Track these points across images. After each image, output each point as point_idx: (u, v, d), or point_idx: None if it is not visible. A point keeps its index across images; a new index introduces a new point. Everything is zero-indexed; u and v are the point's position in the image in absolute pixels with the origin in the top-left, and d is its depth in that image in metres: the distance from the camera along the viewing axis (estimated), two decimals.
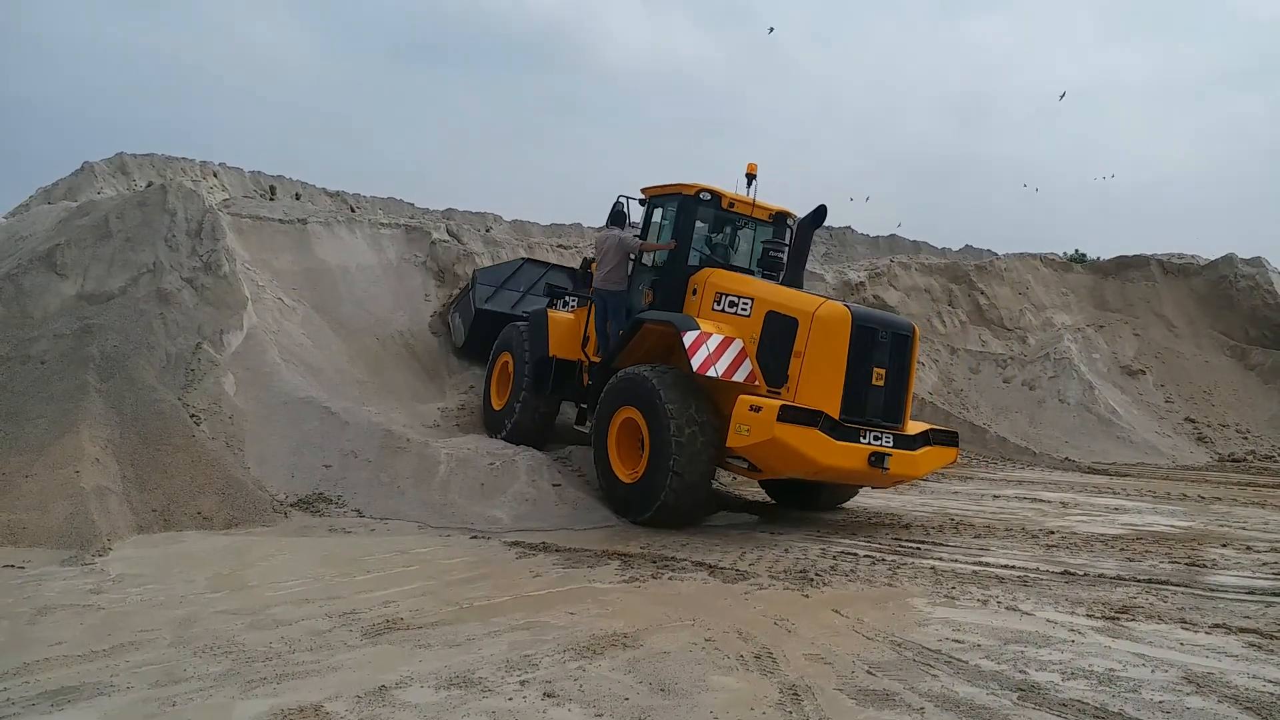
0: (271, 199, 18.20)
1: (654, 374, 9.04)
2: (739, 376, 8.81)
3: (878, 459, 8.53)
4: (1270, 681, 4.52)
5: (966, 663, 4.85)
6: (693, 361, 8.65)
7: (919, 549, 8.17)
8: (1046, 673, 4.68)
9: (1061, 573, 7.14)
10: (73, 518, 7.80)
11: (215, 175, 25.96)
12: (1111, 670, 4.72)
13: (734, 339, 9.06)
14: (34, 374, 9.72)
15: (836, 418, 8.49)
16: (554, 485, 9.62)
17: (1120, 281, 22.54)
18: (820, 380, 8.64)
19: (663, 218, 10.53)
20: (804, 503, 10.55)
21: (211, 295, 11.13)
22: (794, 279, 10.14)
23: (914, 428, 9.27)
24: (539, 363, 10.96)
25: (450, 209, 31.30)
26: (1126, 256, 23.08)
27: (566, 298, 12.19)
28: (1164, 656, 4.97)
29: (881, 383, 8.91)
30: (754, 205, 10.49)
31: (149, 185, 14.83)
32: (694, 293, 9.91)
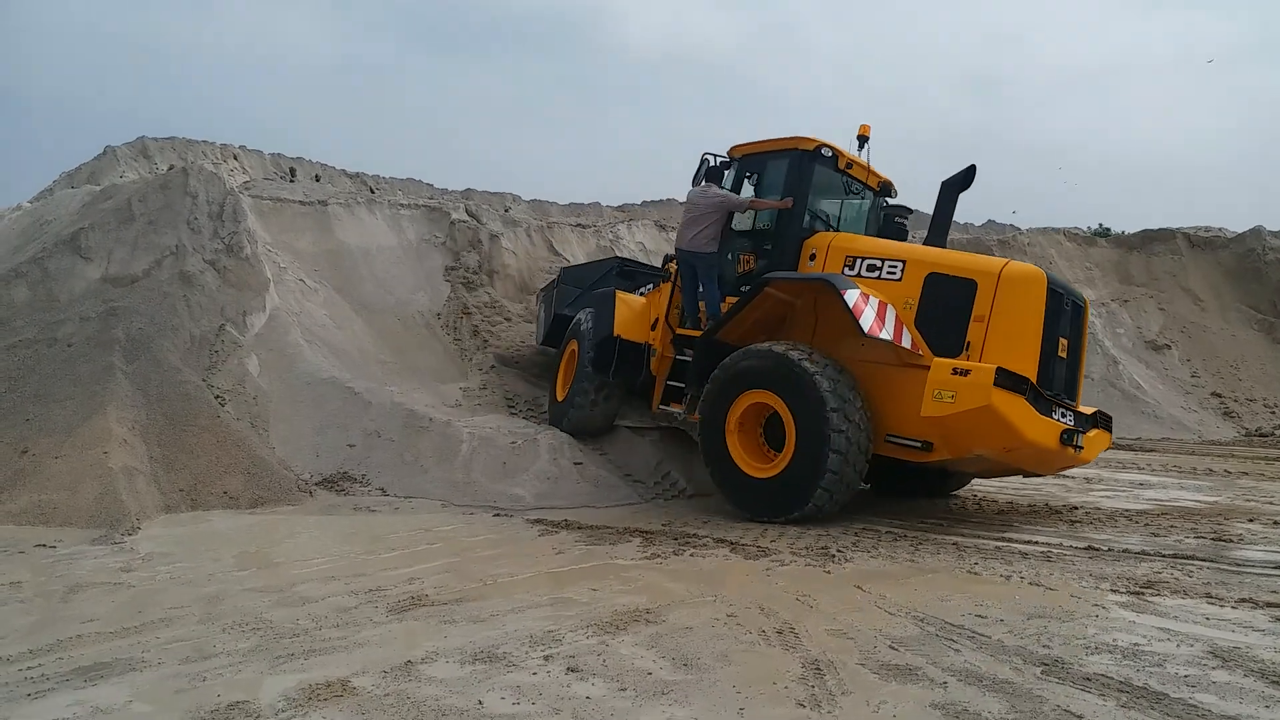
0: (292, 181, 18.28)
1: (799, 352, 8.02)
2: (905, 343, 7.83)
3: (1069, 437, 7.74)
4: None
5: (989, 638, 4.84)
6: (861, 322, 7.60)
7: (941, 525, 8.15)
8: (1070, 647, 4.67)
9: (1085, 548, 7.10)
10: (102, 498, 7.91)
11: (236, 158, 26.08)
12: (1136, 645, 4.70)
13: (887, 303, 8.04)
14: (61, 356, 9.83)
15: (1038, 387, 7.60)
16: (575, 464, 9.66)
17: (1145, 255, 22.29)
18: (1012, 348, 7.67)
19: (764, 178, 9.45)
20: (914, 489, 9.75)
21: (234, 277, 11.20)
22: (938, 242, 9.20)
23: (1084, 408, 8.57)
24: (602, 342, 10.15)
25: (469, 189, 31.32)
26: (1152, 230, 22.82)
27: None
28: (1189, 631, 4.95)
29: (1065, 355, 8.17)
30: (869, 170, 9.57)
31: (170, 168, 14.91)
32: (812, 258, 8.87)
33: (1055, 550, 7.00)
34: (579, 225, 17.50)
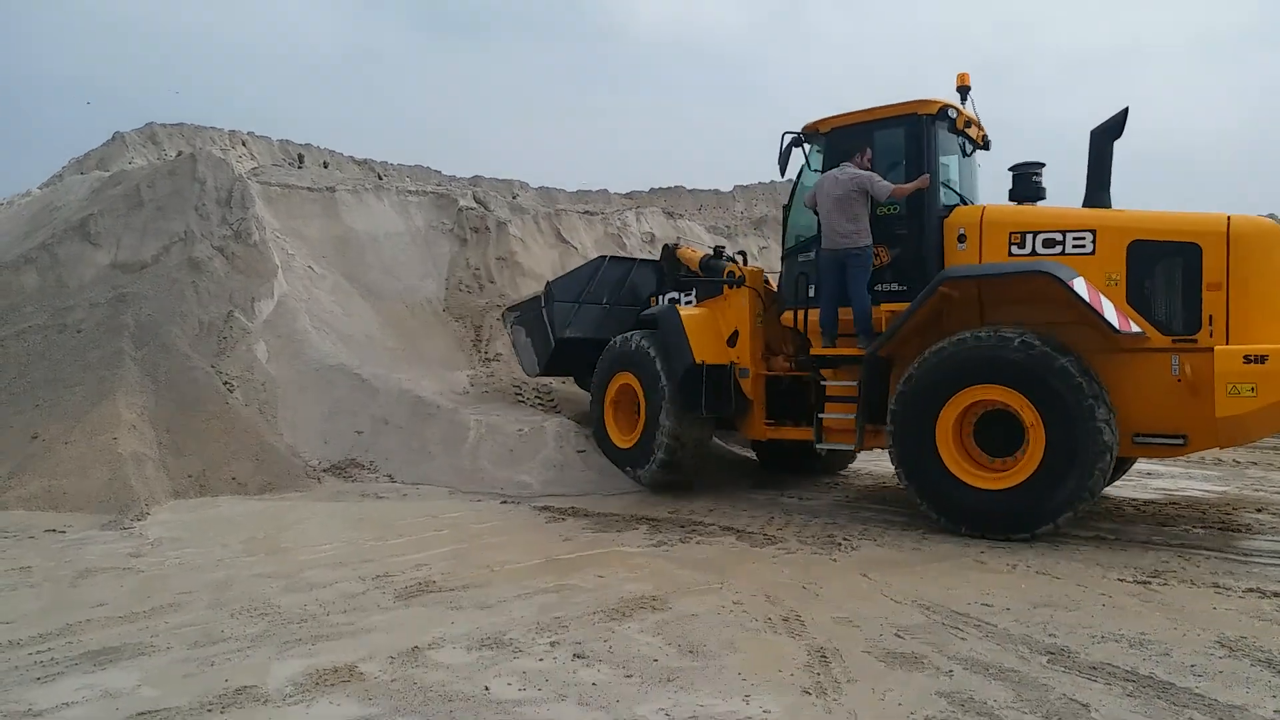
0: (300, 167, 18.28)
1: (1045, 342, 6.86)
2: (1135, 329, 6.92)
3: None
4: None
5: (995, 626, 4.84)
6: (1110, 319, 6.73)
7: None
8: (1076, 636, 4.67)
9: (1093, 537, 7.09)
10: (111, 483, 7.96)
11: (244, 144, 26.05)
12: (1143, 634, 4.69)
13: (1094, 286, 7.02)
14: (71, 342, 9.87)
15: None
16: (579, 452, 9.67)
17: None
18: (1266, 315, 6.73)
19: (870, 152, 8.15)
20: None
21: (242, 263, 11.23)
22: (1100, 200, 7.85)
23: None
24: (687, 374, 8.76)
25: (477, 176, 31.25)
26: None
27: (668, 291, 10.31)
28: (1196, 620, 4.94)
29: None
30: (979, 125, 8.55)
31: (179, 155, 14.92)
32: (961, 239, 7.72)
33: (1062, 539, 6.98)
34: (587, 212, 17.47)
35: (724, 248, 10.67)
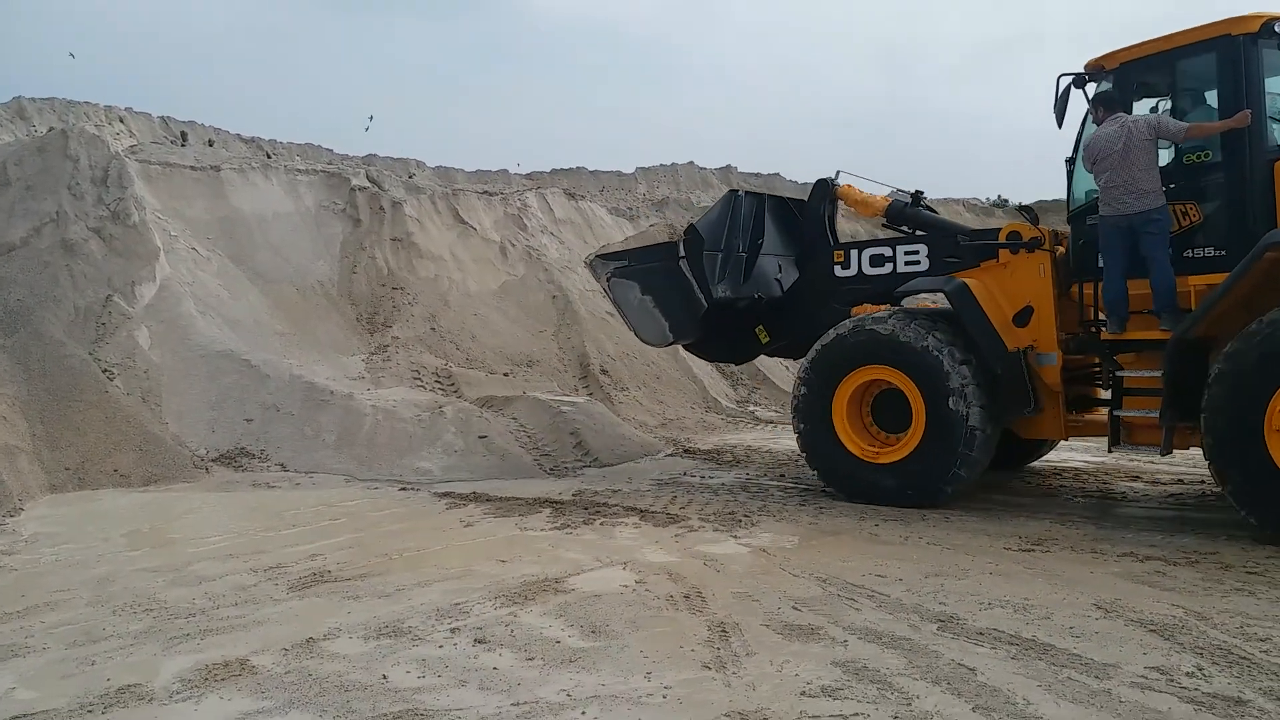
0: (183, 145, 17.54)
1: None
2: None
3: None
4: (1174, 605, 4.74)
5: (888, 596, 4.98)
6: None
7: None
8: (965, 603, 4.84)
9: (981, 508, 7.36)
10: None
11: (122, 120, 24.81)
12: (1026, 599, 4.89)
13: None
14: None
15: None
16: (481, 436, 9.56)
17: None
18: None
19: (1177, 90, 6.83)
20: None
21: (121, 245, 10.71)
22: None
23: None
24: (1010, 366, 7.13)
25: (371, 155, 30.49)
26: (1046, 201, 23.61)
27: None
28: (1075, 584, 5.18)
29: None
30: None
31: (49, 131, 14.13)
32: None
33: (953, 512, 7.23)
34: (486, 193, 17.23)
35: (922, 192, 8.88)
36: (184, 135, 25.69)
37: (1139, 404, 6.79)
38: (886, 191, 8.81)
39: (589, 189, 27.61)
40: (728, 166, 40.03)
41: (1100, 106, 6.86)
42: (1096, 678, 3.81)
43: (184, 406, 9.55)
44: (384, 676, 3.93)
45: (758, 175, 38.19)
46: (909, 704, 3.58)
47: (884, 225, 8.98)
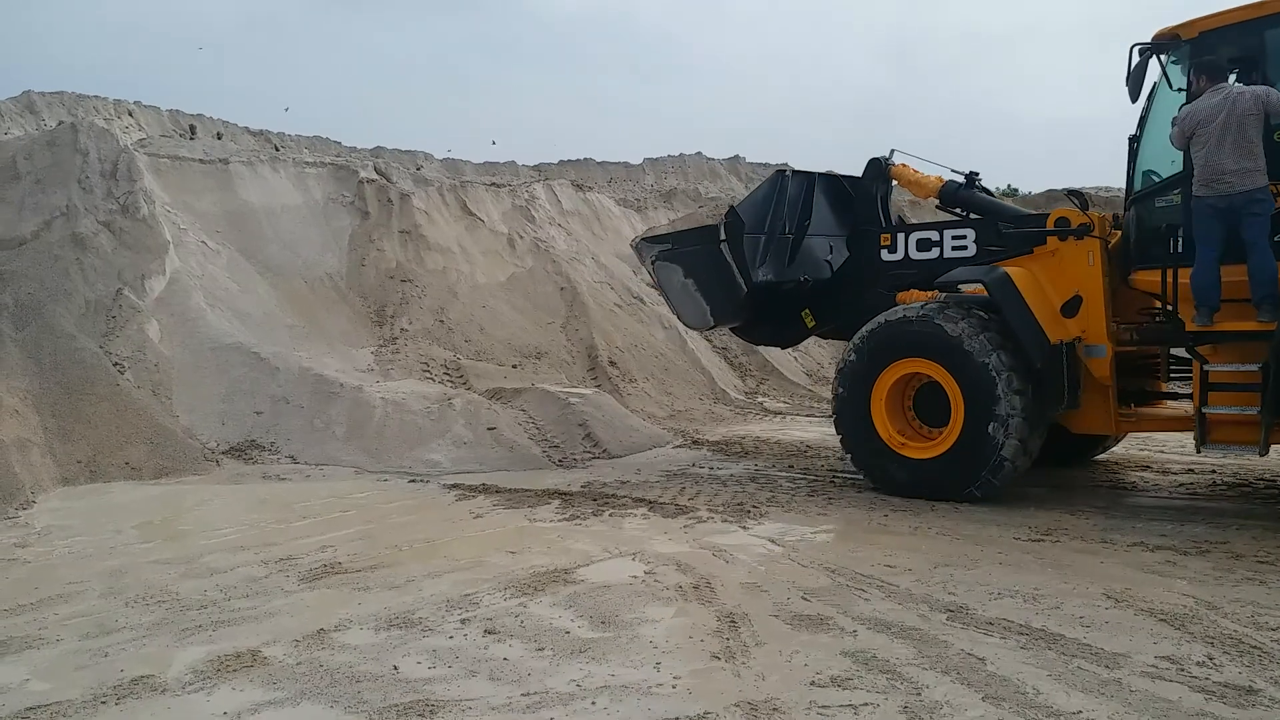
0: (191, 138, 17.57)
1: None
2: None
3: None
4: (1184, 595, 4.73)
5: (898, 586, 4.98)
6: None
7: (854, 479, 8.32)
8: (974, 593, 4.84)
9: (990, 499, 7.34)
10: None
11: (130, 114, 24.85)
12: (1036, 589, 4.89)
13: None
14: None
15: None
16: (489, 429, 9.57)
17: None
18: None
19: (1265, 59, 6.35)
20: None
21: (130, 239, 10.73)
22: None
23: None
24: (1050, 357, 6.86)
25: (379, 147, 30.49)
26: (1056, 190, 23.48)
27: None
28: (1085, 574, 5.17)
29: None
30: None
31: (59, 125, 14.17)
32: None
33: (962, 503, 7.21)
34: (493, 184, 17.22)
35: (977, 174, 8.51)
36: (192, 128, 25.71)
37: (1231, 399, 6.29)
38: (944, 174, 8.50)
39: (597, 180, 27.57)
40: (735, 156, 39.92)
41: (1203, 75, 6.32)
42: (1106, 667, 3.81)
43: (194, 399, 9.59)
44: (395, 667, 3.95)
45: (766, 165, 38.07)
46: (918, 694, 3.59)
47: (938, 208, 8.74)
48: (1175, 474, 8.21)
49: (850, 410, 7.68)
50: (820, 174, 9.15)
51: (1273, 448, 6.38)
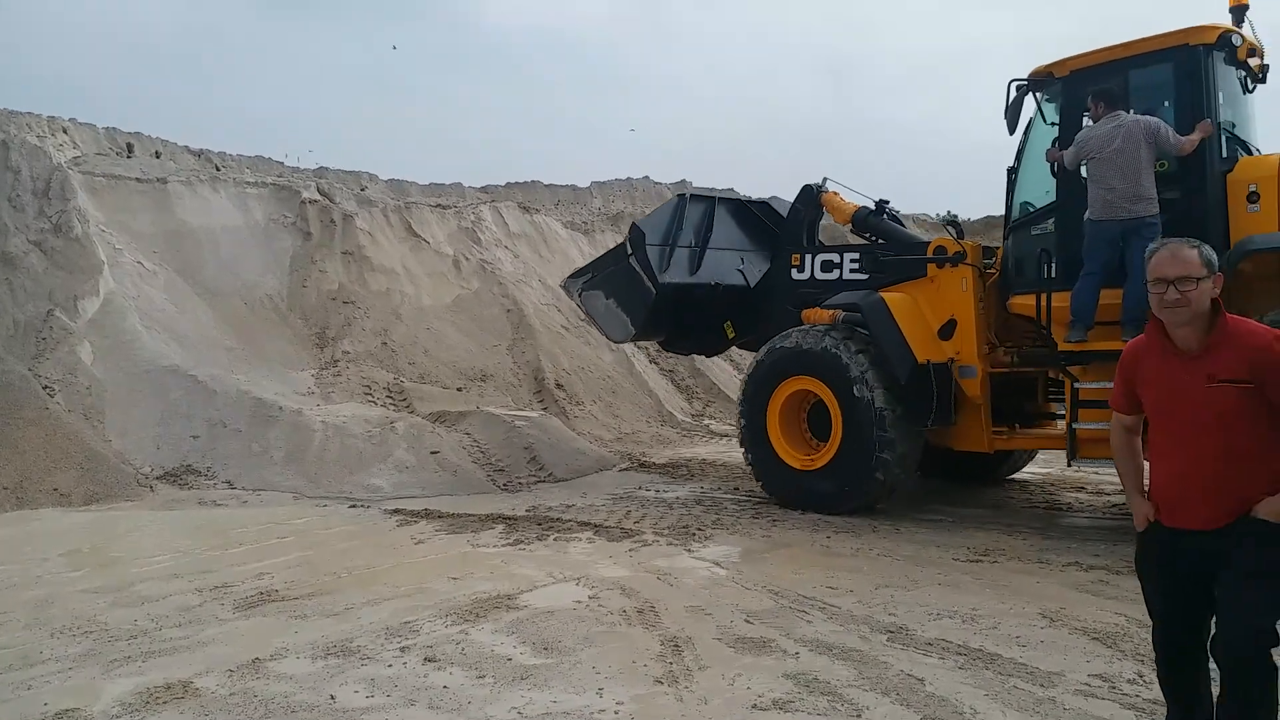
0: (128, 157, 17.19)
1: None
2: None
3: None
4: (1116, 613, 4.83)
5: (839, 608, 5.02)
6: None
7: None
8: (914, 614, 4.89)
9: (930, 520, 7.45)
10: None
11: (65, 131, 24.26)
12: (974, 609, 4.96)
13: None
14: None
15: None
16: (433, 452, 9.47)
17: (989, 240, 23.46)
18: None
19: (1131, 99, 6.63)
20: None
21: (62, 259, 10.48)
22: None
23: None
24: (915, 376, 7.29)
25: (322, 167, 30.13)
26: (995, 216, 24.02)
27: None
28: (1021, 594, 5.26)
29: None
30: (1260, 54, 6.91)
31: None
32: (1253, 198, 6.28)
33: (903, 524, 7.31)
34: (439, 206, 17.13)
35: (887, 201, 8.98)
36: (130, 147, 25.17)
37: (1100, 416, 6.43)
38: (870, 202, 8.93)
39: (544, 203, 27.53)
40: (682, 181, 40.19)
41: (1101, 102, 6.58)
42: (1041, 686, 3.88)
43: (128, 423, 9.35)
44: (332, 697, 3.88)
45: (712, 190, 38.35)
46: (859, 715, 3.61)
47: (851, 232, 9.19)
48: (1109, 494, 8.41)
49: (749, 425, 8.24)
50: (722, 197, 9.98)
51: None
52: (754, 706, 3.71)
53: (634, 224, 9.33)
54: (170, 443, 9.27)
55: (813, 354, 7.74)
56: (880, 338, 7.48)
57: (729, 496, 8.64)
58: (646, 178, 39.55)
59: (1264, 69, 7.04)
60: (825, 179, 9.11)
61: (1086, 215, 6.58)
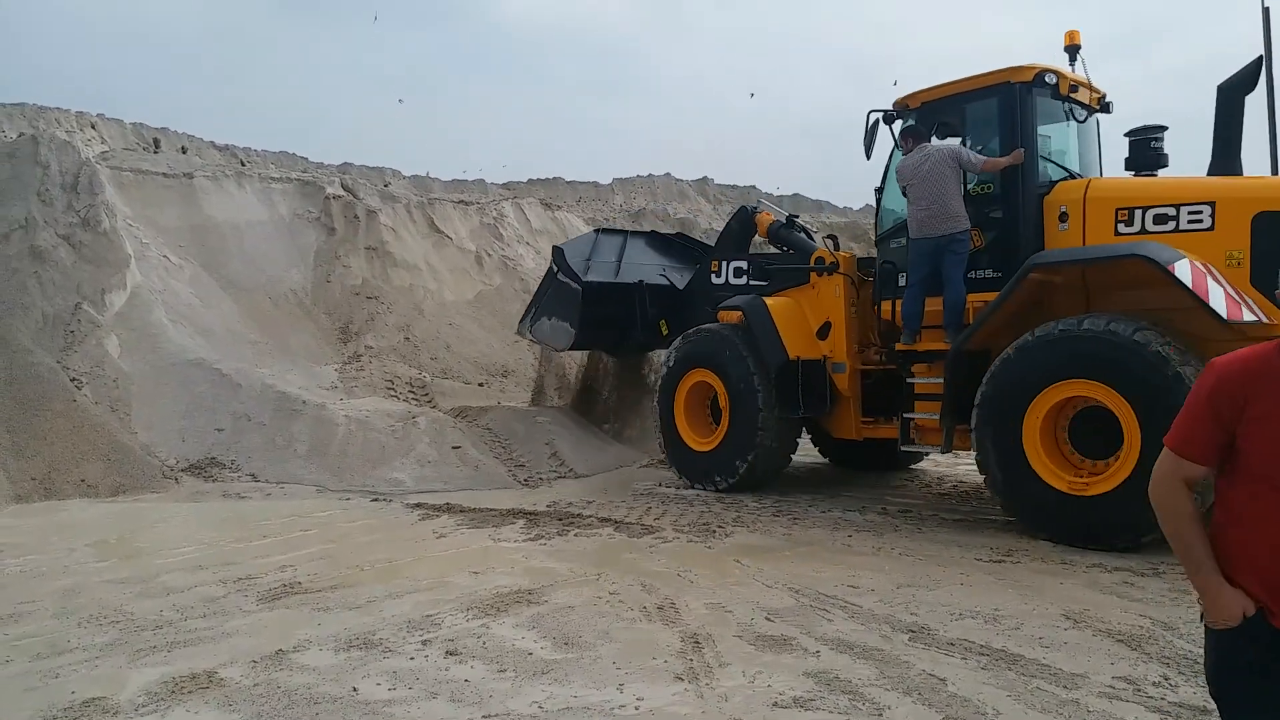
0: (155, 152, 17.38)
1: (1150, 332, 6.08)
2: (1249, 317, 6.04)
3: None
4: (1141, 615, 4.79)
5: (861, 606, 5.00)
6: (1215, 306, 5.88)
7: (817, 500, 8.37)
8: (936, 613, 4.87)
9: (952, 519, 7.41)
10: None
11: (93, 126, 24.57)
12: (996, 610, 4.93)
13: (1207, 266, 6.21)
14: None
15: None
16: (454, 447, 9.51)
17: None
18: None
19: (965, 128, 7.57)
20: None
21: (90, 253, 10.59)
22: (1229, 167, 6.89)
23: None
24: (782, 372, 8.27)
25: (346, 163, 30.35)
26: None
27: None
28: (1044, 595, 5.22)
29: None
30: (1090, 88, 7.68)
31: (19, 136, 13.97)
32: (1063, 218, 6.98)
33: (925, 523, 7.28)
34: (462, 202, 17.19)
35: (797, 216, 10.19)
36: (156, 142, 25.44)
37: (926, 407, 7.56)
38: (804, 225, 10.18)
39: (565, 199, 27.63)
40: (704, 178, 40.19)
41: (908, 138, 7.61)
42: (1065, 688, 3.85)
43: (154, 416, 9.45)
44: (354, 689, 3.90)
45: (734, 187, 38.32)
46: (880, 714, 3.60)
47: (767, 243, 10.10)
48: None
49: (660, 411, 9.37)
50: (633, 231, 11.82)
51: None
52: (775, 704, 3.70)
53: (555, 246, 10.85)
54: (195, 435, 9.36)
55: (706, 350, 8.90)
56: (758, 336, 8.48)
57: (748, 494, 8.63)
58: (668, 175, 39.51)
59: (1103, 101, 7.89)
60: (760, 201, 10.55)
61: (909, 234, 7.52)
